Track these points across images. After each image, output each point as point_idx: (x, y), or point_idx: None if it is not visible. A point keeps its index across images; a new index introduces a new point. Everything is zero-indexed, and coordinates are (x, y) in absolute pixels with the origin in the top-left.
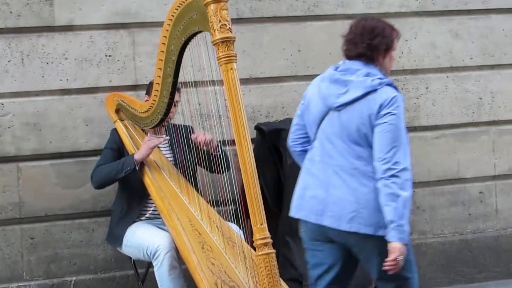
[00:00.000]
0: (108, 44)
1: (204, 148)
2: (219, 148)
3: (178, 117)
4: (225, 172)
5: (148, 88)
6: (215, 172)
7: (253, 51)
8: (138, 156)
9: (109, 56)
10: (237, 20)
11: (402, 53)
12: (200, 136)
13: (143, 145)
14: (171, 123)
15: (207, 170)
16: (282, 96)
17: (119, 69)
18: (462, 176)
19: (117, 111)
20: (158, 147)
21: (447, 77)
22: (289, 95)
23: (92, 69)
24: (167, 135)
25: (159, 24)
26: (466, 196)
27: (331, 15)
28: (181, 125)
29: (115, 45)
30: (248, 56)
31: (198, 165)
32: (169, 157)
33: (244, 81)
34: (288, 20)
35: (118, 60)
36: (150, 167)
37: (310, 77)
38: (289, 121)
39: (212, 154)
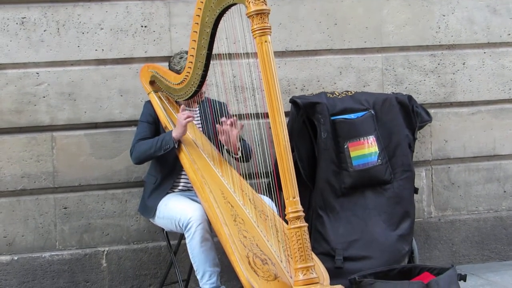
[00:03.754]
0: (144, 14)
1: (227, 147)
2: (241, 149)
3: (212, 90)
4: (244, 163)
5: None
6: (235, 160)
7: (289, 24)
8: (175, 133)
9: (145, 26)
10: None
11: (439, 28)
12: (226, 125)
13: (178, 124)
14: (205, 97)
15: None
16: (317, 69)
17: (154, 40)
18: (497, 153)
19: (151, 82)
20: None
21: (484, 53)
22: (325, 69)
23: (127, 40)
24: (200, 109)
25: None
26: (502, 173)
27: None
28: (215, 100)
29: (151, 16)
30: (284, 29)
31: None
32: (201, 130)
33: (280, 54)
34: None
35: (154, 31)
36: (184, 140)
37: (346, 51)
38: (324, 94)
39: (232, 155)
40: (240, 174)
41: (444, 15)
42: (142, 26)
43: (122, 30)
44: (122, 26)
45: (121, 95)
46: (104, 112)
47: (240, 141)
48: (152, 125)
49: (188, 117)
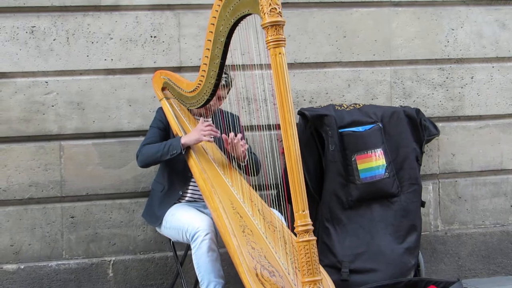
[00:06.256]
0: (154, 25)
1: (233, 154)
2: (248, 158)
3: (224, 100)
4: (253, 176)
5: None
6: (245, 173)
7: (298, 36)
8: (185, 140)
9: (154, 37)
10: (283, 5)
11: (448, 42)
12: (232, 139)
13: (194, 132)
14: (217, 108)
15: (239, 169)
16: (326, 81)
17: (163, 50)
18: (505, 167)
19: (163, 89)
20: None
21: (493, 67)
22: (333, 81)
23: (137, 50)
24: (213, 119)
25: (205, 6)
26: (509, 187)
27: (377, 1)
28: (227, 111)
29: (160, 26)
30: (293, 41)
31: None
32: (213, 140)
33: (289, 66)
34: (334, 6)
35: (163, 41)
36: (194, 148)
37: (355, 64)
38: (332, 107)
39: (239, 163)
40: (250, 185)
41: (453, 29)
42: (151, 37)
43: (131, 40)
44: (132, 36)
45: (130, 105)
46: (112, 121)
47: (250, 153)
48: (162, 131)
49: (210, 133)
